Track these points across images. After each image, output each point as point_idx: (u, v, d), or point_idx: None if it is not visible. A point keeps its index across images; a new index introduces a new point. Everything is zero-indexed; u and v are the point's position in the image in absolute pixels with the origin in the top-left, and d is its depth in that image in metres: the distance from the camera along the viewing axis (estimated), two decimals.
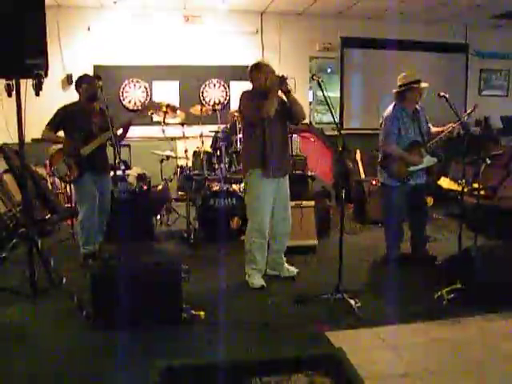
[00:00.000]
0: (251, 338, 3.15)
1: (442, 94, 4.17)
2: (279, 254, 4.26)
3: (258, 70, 3.96)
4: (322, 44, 8.48)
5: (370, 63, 8.71)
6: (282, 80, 3.80)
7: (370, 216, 6.37)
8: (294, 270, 4.30)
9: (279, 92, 3.88)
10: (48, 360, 2.88)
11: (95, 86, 4.25)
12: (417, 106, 4.45)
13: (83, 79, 4.43)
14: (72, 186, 4.63)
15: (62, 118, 4.40)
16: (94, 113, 4.48)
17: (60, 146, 4.51)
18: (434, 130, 4.50)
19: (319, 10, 7.94)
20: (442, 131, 4.35)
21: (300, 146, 7.11)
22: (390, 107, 4.44)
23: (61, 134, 4.51)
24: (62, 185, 6.46)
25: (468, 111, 4.39)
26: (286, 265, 4.32)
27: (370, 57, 8.69)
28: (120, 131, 4.62)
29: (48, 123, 4.40)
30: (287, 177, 4.17)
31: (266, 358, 2.20)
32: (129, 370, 2.74)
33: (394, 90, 4.44)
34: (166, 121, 5.58)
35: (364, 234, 5.94)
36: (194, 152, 5.75)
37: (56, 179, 6.13)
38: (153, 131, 6.61)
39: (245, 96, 3.99)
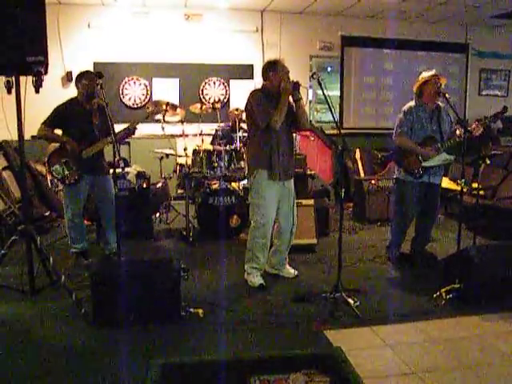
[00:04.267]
0: (250, 336, 3.15)
1: (442, 93, 4.16)
2: (283, 254, 4.26)
3: (273, 70, 3.87)
4: (323, 43, 8.48)
5: (370, 62, 8.71)
6: (296, 87, 3.77)
7: (370, 215, 6.37)
8: (294, 271, 4.29)
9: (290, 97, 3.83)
10: (46, 358, 2.88)
11: (94, 83, 4.18)
12: (440, 104, 4.41)
13: (83, 76, 4.34)
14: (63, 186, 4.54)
15: (61, 117, 4.31)
16: (93, 112, 4.39)
17: (57, 145, 4.44)
18: (459, 132, 4.26)
19: (320, 8, 7.94)
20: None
21: (299, 145, 7.13)
22: (409, 103, 4.43)
23: (57, 131, 4.43)
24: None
25: (495, 112, 4.19)
26: (287, 265, 4.32)
27: (370, 56, 8.69)
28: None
29: (45, 121, 4.31)
30: (293, 178, 4.15)
31: (265, 356, 2.20)
32: (128, 367, 2.75)
33: (414, 87, 4.43)
34: (166, 119, 5.57)
35: (363, 233, 5.94)
36: (194, 150, 5.74)
37: None
38: (152, 129, 6.60)
39: (254, 97, 3.90)
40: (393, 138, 4.44)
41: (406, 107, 4.41)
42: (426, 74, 4.36)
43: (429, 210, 4.49)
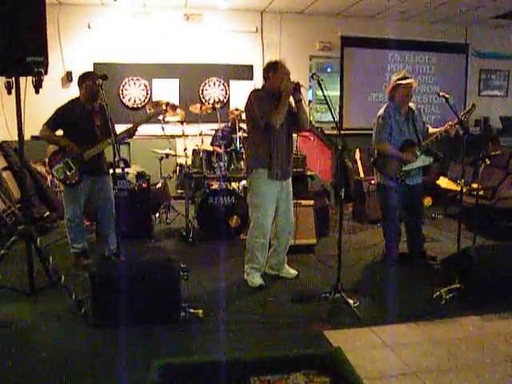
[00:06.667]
0: (250, 337, 3.15)
1: (441, 94, 4.15)
2: (282, 255, 4.26)
3: (274, 71, 3.88)
4: (322, 43, 8.48)
5: (370, 63, 8.70)
6: (297, 87, 3.77)
7: (369, 215, 6.37)
8: (293, 272, 4.30)
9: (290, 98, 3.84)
10: (46, 358, 2.87)
11: (98, 85, 4.15)
12: (412, 106, 4.41)
13: (88, 77, 4.31)
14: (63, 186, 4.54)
15: (62, 118, 4.30)
16: (94, 113, 4.37)
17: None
18: (432, 130, 4.46)
19: (319, 8, 7.94)
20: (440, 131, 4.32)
21: (299, 145, 7.12)
22: (384, 107, 4.42)
23: (59, 132, 4.42)
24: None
25: (465, 110, 4.32)
26: (286, 265, 4.32)
27: (370, 56, 8.68)
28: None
29: (46, 122, 4.30)
30: (290, 178, 4.16)
31: (265, 356, 2.20)
32: (127, 368, 2.75)
33: (386, 90, 4.44)
34: (166, 119, 5.57)
35: (363, 233, 5.95)
36: (194, 150, 5.75)
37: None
38: (152, 129, 6.59)
39: (255, 96, 3.91)
40: (373, 144, 4.43)
41: (382, 112, 4.37)
42: (395, 77, 4.34)
43: (415, 210, 4.55)
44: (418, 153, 4.29)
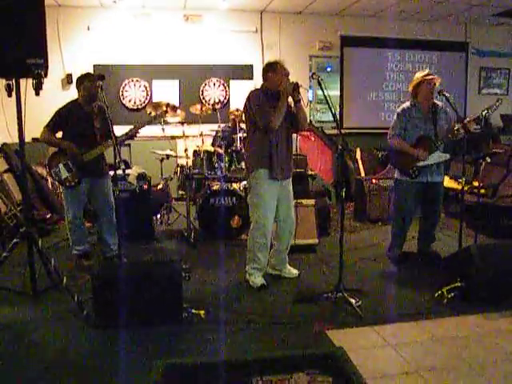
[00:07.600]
0: (252, 337, 3.15)
1: (442, 92, 4.16)
2: (283, 254, 4.25)
3: (273, 71, 3.88)
4: (322, 43, 8.48)
5: (370, 62, 8.71)
6: (295, 88, 3.76)
7: (370, 215, 6.37)
8: (295, 272, 4.30)
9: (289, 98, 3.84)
10: (48, 359, 2.88)
11: (96, 85, 4.15)
12: (438, 103, 4.41)
13: (85, 78, 4.31)
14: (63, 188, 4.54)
15: (62, 120, 4.29)
16: (93, 114, 4.37)
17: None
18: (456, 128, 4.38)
19: (319, 8, 7.95)
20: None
21: (300, 145, 7.13)
22: (405, 103, 4.44)
23: (59, 134, 4.42)
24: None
25: (489, 105, 4.18)
26: (288, 265, 4.32)
27: (369, 55, 8.69)
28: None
29: (47, 125, 4.29)
30: (291, 178, 4.16)
31: (267, 356, 2.19)
32: (129, 369, 2.75)
33: (410, 87, 4.45)
34: (166, 120, 5.57)
35: (364, 232, 5.94)
36: (194, 151, 5.75)
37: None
38: (153, 130, 6.60)
39: (253, 97, 3.89)
40: (387, 139, 4.46)
41: (399, 109, 4.44)
42: (419, 75, 4.36)
43: (430, 209, 4.50)
44: (434, 150, 4.27)
